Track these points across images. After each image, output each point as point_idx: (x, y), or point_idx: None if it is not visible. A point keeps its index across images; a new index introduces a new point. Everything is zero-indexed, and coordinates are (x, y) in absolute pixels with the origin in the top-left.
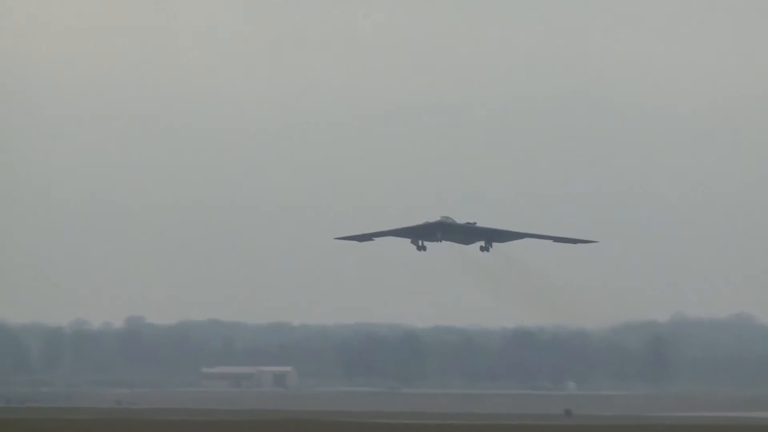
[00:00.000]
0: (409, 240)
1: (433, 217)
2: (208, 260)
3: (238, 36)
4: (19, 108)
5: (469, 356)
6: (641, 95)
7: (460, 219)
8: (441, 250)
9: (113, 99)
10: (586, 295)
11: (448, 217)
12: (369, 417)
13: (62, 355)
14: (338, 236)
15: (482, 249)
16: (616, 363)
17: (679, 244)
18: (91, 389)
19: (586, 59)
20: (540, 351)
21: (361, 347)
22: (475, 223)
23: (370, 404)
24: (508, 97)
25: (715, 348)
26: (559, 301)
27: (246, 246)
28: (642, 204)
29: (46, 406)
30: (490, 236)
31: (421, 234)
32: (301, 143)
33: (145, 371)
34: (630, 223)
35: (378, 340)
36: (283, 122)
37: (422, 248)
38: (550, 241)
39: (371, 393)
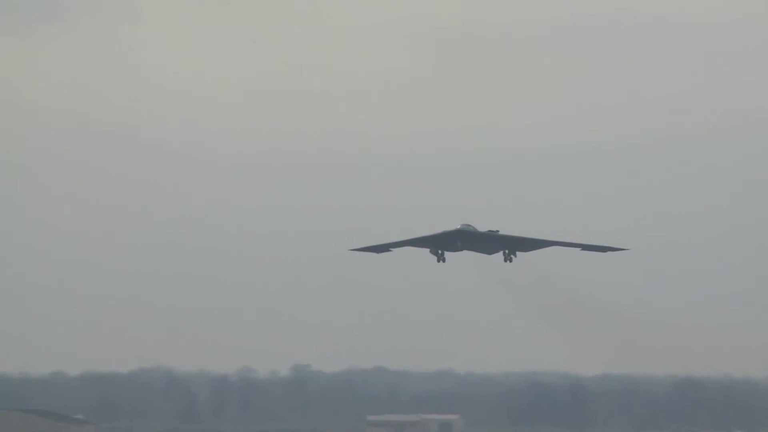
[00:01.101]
0: (428, 250)
1: (453, 225)
2: (374, 307)
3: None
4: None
5: (636, 404)
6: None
7: (482, 226)
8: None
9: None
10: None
11: (468, 225)
12: None
13: (229, 404)
14: (354, 248)
15: (505, 258)
16: None
17: None
18: None
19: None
20: (707, 399)
21: (528, 395)
22: (498, 230)
23: None
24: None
25: None
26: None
27: (411, 291)
28: None
29: None
30: (514, 245)
31: (441, 243)
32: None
33: (310, 419)
34: None
35: (545, 388)
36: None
37: (442, 258)
38: (578, 249)
39: None
